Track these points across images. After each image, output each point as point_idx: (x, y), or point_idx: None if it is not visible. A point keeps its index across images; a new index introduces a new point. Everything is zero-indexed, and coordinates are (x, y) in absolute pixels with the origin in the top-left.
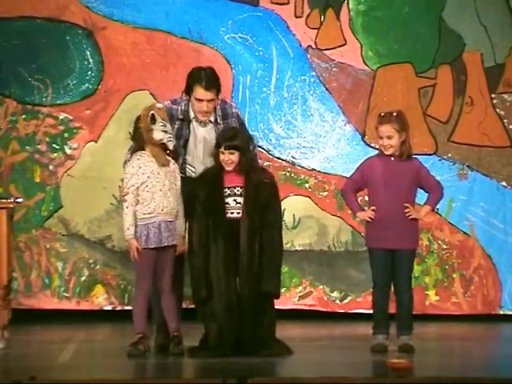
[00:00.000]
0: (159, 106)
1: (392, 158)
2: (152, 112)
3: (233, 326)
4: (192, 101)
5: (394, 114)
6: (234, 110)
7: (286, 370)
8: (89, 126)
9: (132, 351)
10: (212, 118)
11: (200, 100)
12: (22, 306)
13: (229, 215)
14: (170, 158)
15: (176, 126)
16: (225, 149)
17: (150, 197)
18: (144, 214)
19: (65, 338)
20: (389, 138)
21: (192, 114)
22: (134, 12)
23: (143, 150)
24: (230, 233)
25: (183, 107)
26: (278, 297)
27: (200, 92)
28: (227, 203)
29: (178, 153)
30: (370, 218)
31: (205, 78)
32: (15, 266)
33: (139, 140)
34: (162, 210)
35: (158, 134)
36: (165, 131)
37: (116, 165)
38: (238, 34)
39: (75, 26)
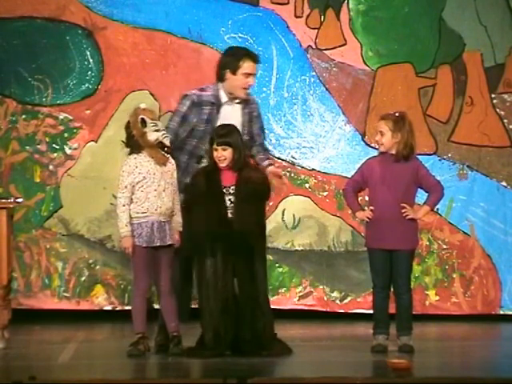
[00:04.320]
0: (143, 106)
1: (391, 159)
2: (141, 116)
3: (229, 326)
4: (231, 80)
5: (396, 114)
6: (253, 97)
7: (286, 370)
8: (89, 126)
9: (132, 351)
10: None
11: (248, 74)
12: (22, 306)
13: None
14: (167, 156)
15: (207, 111)
16: (217, 145)
17: (144, 196)
18: (137, 213)
19: (65, 338)
20: (381, 134)
21: (224, 98)
22: (134, 12)
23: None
24: (226, 232)
25: (214, 92)
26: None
27: (250, 65)
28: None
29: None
30: (368, 217)
31: (250, 52)
32: (15, 266)
33: (135, 146)
34: (156, 210)
35: (152, 135)
36: (157, 130)
37: (116, 165)
38: (238, 34)
39: (75, 26)
